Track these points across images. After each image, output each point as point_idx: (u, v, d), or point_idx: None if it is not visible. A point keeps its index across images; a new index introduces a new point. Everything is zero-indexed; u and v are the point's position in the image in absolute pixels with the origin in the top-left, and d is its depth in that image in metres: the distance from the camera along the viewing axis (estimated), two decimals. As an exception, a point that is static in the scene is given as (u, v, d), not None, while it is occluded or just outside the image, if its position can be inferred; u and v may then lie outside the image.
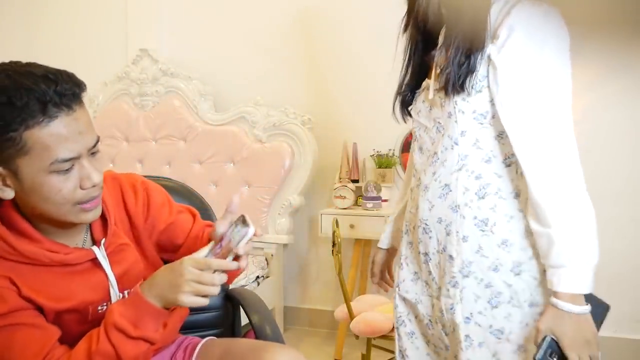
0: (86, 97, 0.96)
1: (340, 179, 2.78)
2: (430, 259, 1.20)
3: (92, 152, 0.97)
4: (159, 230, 1.19)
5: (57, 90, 0.89)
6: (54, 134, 0.89)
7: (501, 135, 1.11)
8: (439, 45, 1.18)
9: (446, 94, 1.13)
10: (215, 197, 2.81)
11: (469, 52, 1.09)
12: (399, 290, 1.30)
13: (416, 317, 1.27)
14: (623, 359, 2.44)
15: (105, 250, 1.07)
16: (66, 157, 0.91)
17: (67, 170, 0.93)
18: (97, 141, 0.97)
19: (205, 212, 1.50)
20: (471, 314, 1.14)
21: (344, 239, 2.36)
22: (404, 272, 1.28)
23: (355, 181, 2.76)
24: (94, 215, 1.01)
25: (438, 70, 1.16)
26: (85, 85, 0.95)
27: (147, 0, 3.24)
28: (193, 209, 1.28)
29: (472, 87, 1.09)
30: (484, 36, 1.08)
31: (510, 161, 1.12)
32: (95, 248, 1.05)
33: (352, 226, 2.62)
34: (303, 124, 2.83)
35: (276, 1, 2.99)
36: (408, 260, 1.29)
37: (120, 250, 1.10)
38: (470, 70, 1.09)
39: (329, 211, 2.69)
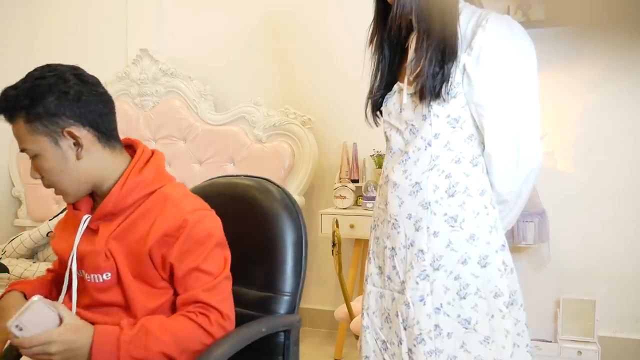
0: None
1: (340, 179, 2.78)
2: (396, 254, 1.25)
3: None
4: (170, 265, 1.12)
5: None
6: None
7: (470, 138, 1.21)
8: (409, 54, 1.23)
9: (422, 99, 1.19)
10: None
11: (442, 63, 1.16)
12: (367, 283, 1.36)
13: (374, 312, 1.33)
14: (623, 359, 2.44)
15: (89, 224, 1.17)
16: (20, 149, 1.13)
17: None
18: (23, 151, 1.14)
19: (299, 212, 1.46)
20: (441, 304, 1.20)
21: (344, 239, 2.36)
22: (372, 266, 1.36)
23: (355, 181, 2.76)
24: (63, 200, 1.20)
25: (412, 77, 1.21)
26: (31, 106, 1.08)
27: (147, 0, 3.24)
28: (227, 271, 1.16)
29: (447, 94, 1.17)
30: (456, 47, 1.16)
31: (477, 161, 1.21)
32: (86, 216, 1.17)
33: (352, 226, 2.62)
34: (303, 124, 2.83)
35: (277, 1, 2.99)
36: (374, 255, 1.36)
37: (93, 234, 1.16)
38: (445, 79, 1.16)
39: (329, 211, 2.69)
